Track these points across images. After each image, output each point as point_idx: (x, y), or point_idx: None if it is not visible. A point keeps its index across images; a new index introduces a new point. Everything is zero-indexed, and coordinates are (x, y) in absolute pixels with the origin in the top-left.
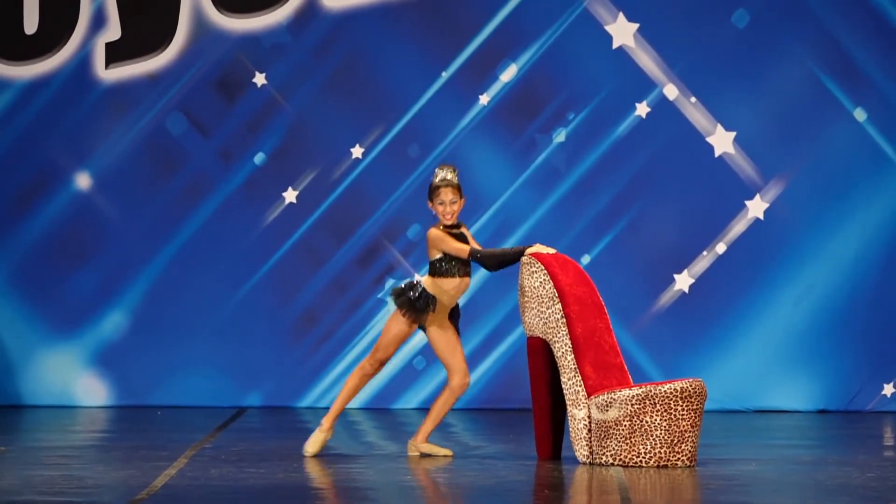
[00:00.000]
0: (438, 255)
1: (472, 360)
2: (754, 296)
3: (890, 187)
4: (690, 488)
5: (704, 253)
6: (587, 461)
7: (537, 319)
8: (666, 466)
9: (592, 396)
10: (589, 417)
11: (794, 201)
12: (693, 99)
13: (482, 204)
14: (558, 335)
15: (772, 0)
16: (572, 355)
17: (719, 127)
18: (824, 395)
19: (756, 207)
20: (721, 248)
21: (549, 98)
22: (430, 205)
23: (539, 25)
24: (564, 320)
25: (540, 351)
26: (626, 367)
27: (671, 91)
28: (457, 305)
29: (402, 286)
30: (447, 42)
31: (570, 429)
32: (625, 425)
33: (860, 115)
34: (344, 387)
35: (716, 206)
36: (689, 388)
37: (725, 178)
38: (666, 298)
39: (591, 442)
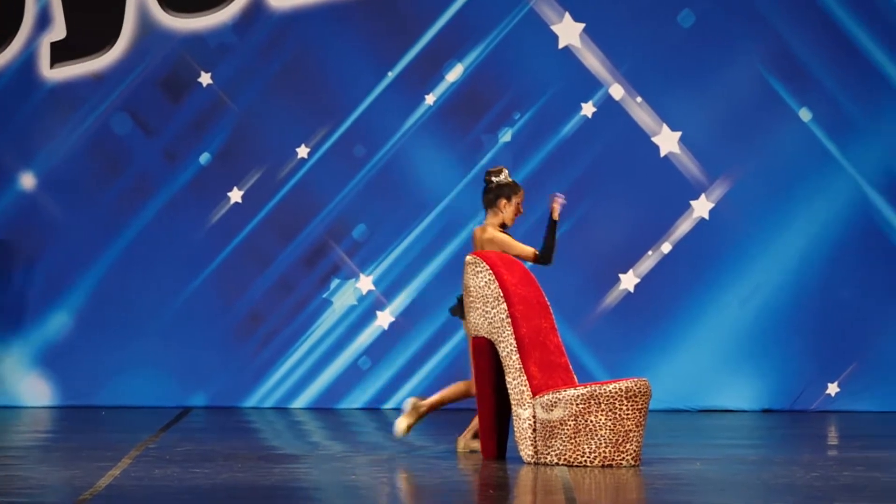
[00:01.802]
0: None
1: (418, 360)
2: (699, 295)
3: (834, 187)
4: (635, 488)
5: (650, 252)
6: (532, 461)
7: (482, 319)
8: (611, 466)
9: (537, 396)
10: (534, 417)
11: (740, 201)
12: (639, 99)
13: (428, 204)
14: (503, 335)
15: (718, 0)
16: (517, 355)
17: (665, 127)
18: (769, 394)
19: (701, 207)
20: (666, 247)
21: (495, 98)
22: (502, 203)
23: (485, 25)
24: (510, 320)
25: (484, 351)
26: (571, 366)
27: (617, 91)
28: None
29: (459, 300)
30: (393, 42)
31: (515, 428)
32: (570, 425)
33: (805, 115)
34: (447, 389)
35: (661, 205)
36: (634, 388)
37: (671, 178)
38: (611, 298)
39: (535, 442)
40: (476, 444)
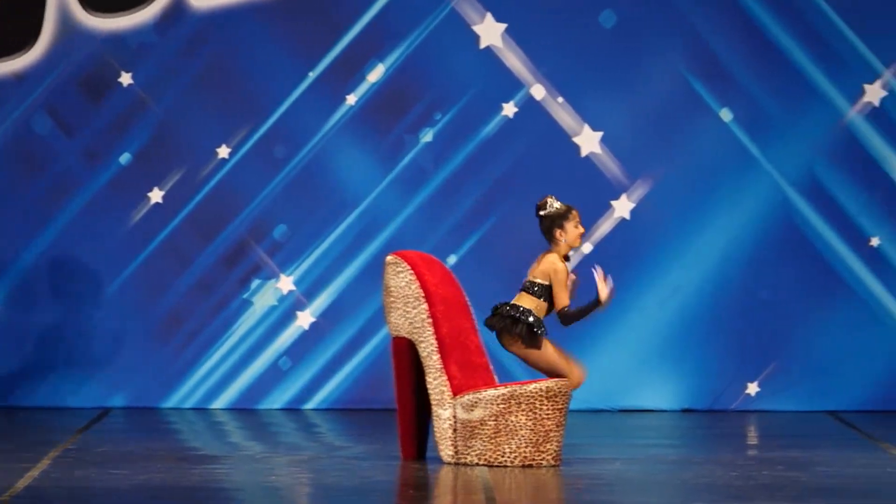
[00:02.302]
0: (549, 283)
1: (339, 361)
2: (620, 295)
3: (755, 187)
4: (555, 488)
5: (570, 253)
6: (452, 461)
7: (403, 319)
8: (531, 466)
9: (458, 396)
10: (454, 417)
11: (661, 201)
12: (560, 99)
13: (348, 205)
14: (424, 335)
15: (639, 1)
16: (438, 355)
17: (586, 127)
18: (689, 394)
19: (622, 207)
20: (587, 248)
21: (416, 98)
22: (558, 233)
23: (406, 25)
24: (430, 320)
25: (405, 351)
26: (491, 366)
27: (538, 91)
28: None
29: (511, 316)
30: (314, 42)
31: (435, 429)
32: (490, 425)
33: (726, 115)
34: None
35: (582, 205)
36: (555, 388)
37: (592, 178)
38: None
39: (455, 442)
40: None
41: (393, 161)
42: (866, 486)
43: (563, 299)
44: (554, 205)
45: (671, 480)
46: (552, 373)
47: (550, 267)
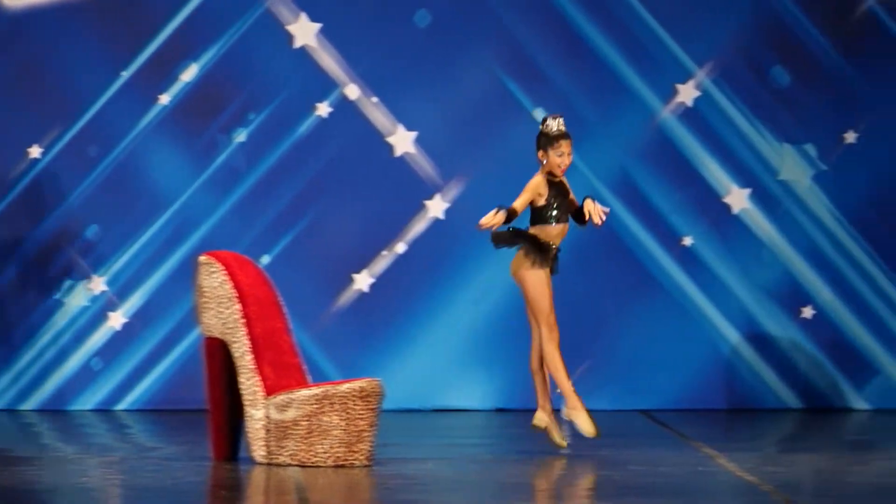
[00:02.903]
0: (543, 203)
1: (151, 361)
2: (434, 295)
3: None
4: (368, 487)
5: (384, 252)
6: (265, 461)
7: (216, 320)
8: (344, 466)
9: (271, 396)
10: (267, 418)
11: (475, 201)
12: (374, 99)
13: (161, 205)
14: (237, 335)
15: (454, 0)
16: (251, 355)
17: (400, 127)
18: (502, 393)
19: (436, 207)
20: (401, 247)
21: (229, 98)
22: (540, 154)
23: (220, 25)
24: (243, 321)
25: (217, 351)
26: (304, 367)
27: (352, 91)
28: (558, 248)
29: (508, 233)
30: (127, 42)
31: (248, 429)
32: (303, 425)
33: (540, 115)
34: (557, 368)
35: (396, 205)
36: (368, 388)
37: (406, 178)
38: (345, 298)
39: (268, 442)
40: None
41: (206, 161)
42: (678, 484)
43: (516, 203)
44: (549, 125)
45: (484, 480)
46: (537, 312)
47: (529, 185)
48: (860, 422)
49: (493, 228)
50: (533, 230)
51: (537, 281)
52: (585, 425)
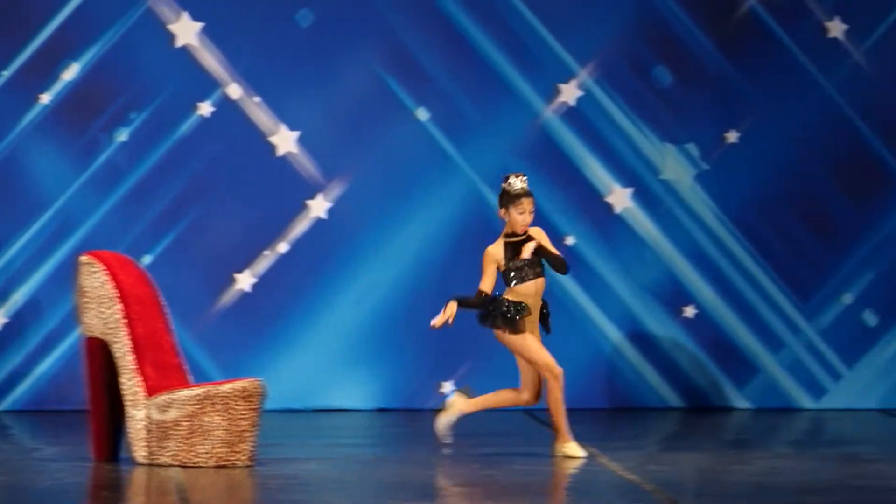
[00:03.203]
0: (503, 268)
1: (30, 362)
2: (316, 295)
3: (451, 187)
4: (249, 488)
5: (266, 252)
6: (146, 462)
7: (97, 320)
8: (225, 466)
9: (152, 397)
10: (148, 418)
11: (357, 201)
12: (256, 98)
13: (42, 204)
14: (118, 335)
15: (336, 0)
16: (132, 356)
17: (283, 126)
18: (384, 393)
19: (318, 207)
20: (283, 247)
21: (111, 97)
22: (501, 212)
23: (101, 23)
24: (125, 321)
25: (98, 352)
26: (186, 367)
27: (234, 90)
28: (545, 304)
29: (487, 312)
30: (6, 40)
31: (129, 429)
32: (184, 425)
33: (422, 114)
34: (553, 408)
35: (278, 205)
36: (250, 388)
37: (288, 178)
38: (227, 298)
39: (149, 443)
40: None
41: (87, 160)
42: (559, 482)
43: (480, 288)
44: (512, 184)
45: (366, 480)
46: (535, 367)
47: (483, 258)
48: (741, 421)
49: (449, 322)
50: (508, 295)
51: (520, 344)
52: (575, 451)
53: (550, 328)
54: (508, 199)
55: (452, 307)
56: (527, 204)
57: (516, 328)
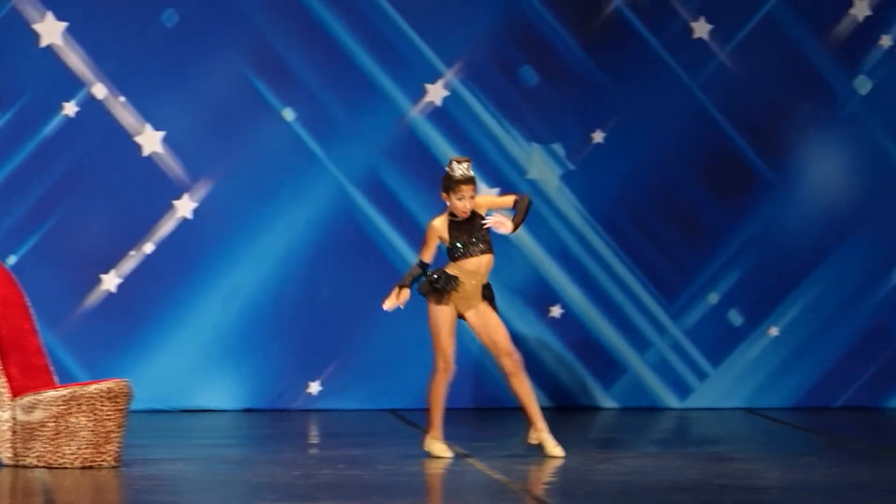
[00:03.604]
0: (448, 244)
1: None
2: (183, 295)
3: (318, 187)
4: (116, 489)
5: (132, 253)
6: (11, 463)
7: None
8: (92, 467)
9: (17, 398)
10: (14, 419)
11: (224, 201)
12: (122, 98)
13: None
14: None
15: (202, 0)
16: None
17: (148, 126)
18: (251, 393)
19: (184, 207)
20: (149, 247)
21: None
22: (444, 196)
23: None
24: None
25: None
26: (51, 368)
27: (99, 90)
28: (489, 285)
29: (425, 282)
30: None
31: None
32: (50, 426)
33: (289, 115)
34: (431, 398)
35: (144, 205)
36: (116, 389)
37: (153, 178)
38: (92, 299)
39: (15, 444)
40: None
41: None
42: (427, 483)
43: (421, 254)
44: (453, 169)
45: (233, 480)
46: (434, 344)
47: (426, 229)
48: (608, 420)
49: (401, 302)
50: (449, 268)
51: (436, 316)
52: (441, 451)
53: (495, 304)
54: (448, 184)
55: (404, 293)
56: (466, 190)
57: (440, 298)
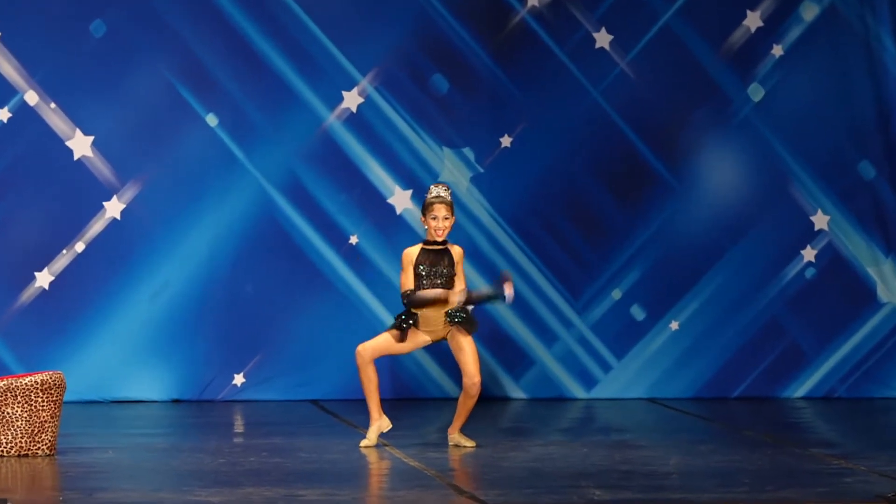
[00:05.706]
0: (417, 271)
1: None
2: (112, 291)
3: (241, 189)
4: (50, 476)
5: (64, 251)
6: None
7: None
8: (27, 455)
9: None
10: None
11: (151, 202)
12: (53, 105)
13: None
14: None
15: (128, 11)
16: None
17: (78, 131)
18: (179, 385)
19: (113, 208)
20: (80, 246)
21: None
22: (422, 220)
23: None
24: None
25: None
26: None
27: (32, 97)
28: (467, 311)
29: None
30: None
31: None
32: None
33: (212, 120)
34: (366, 379)
35: (75, 206)
36: (50, 381)
37: (85, 180)
38: (27, 295)
39: None
40: (458, 439)
41: None
42: (346, 469)
43: (403, 282)
44: (430, 191)
45: (161, 467)
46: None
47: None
48: (517, 410)
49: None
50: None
51: (388, 333)
52: (369, 440)
53: (473, 329)
54: (424, 206)
55: (396, 334)
56: (438, 210)
57: (402, 336)
